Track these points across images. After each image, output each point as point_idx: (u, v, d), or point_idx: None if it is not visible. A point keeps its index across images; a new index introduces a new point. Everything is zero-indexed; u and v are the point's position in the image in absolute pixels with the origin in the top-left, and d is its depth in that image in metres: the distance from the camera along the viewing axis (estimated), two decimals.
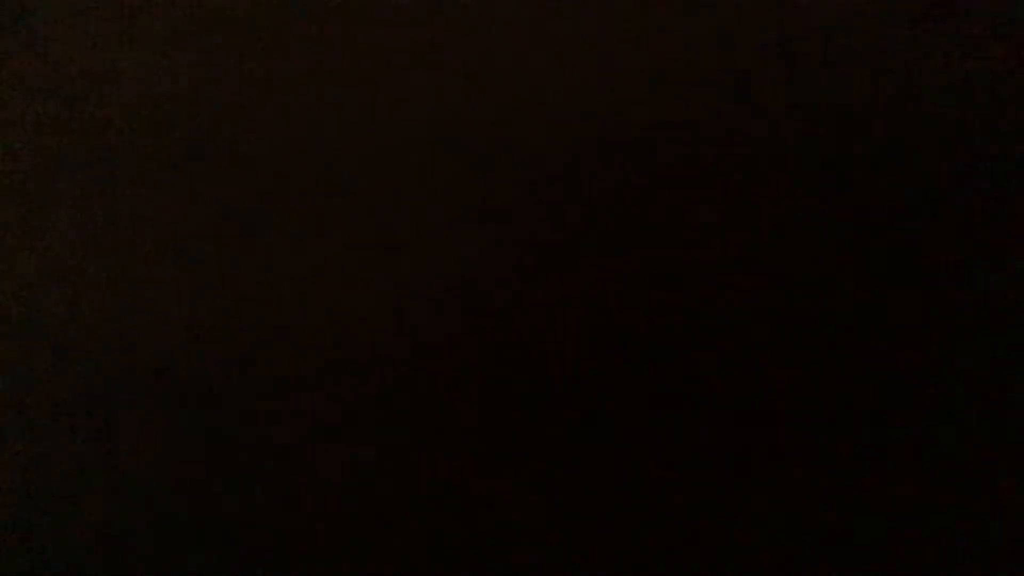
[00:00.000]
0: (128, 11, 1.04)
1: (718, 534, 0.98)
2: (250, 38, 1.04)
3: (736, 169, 1.01)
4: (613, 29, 1.03)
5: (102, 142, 1.03)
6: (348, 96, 1.03)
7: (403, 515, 0.99)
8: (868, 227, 1.00)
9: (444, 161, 1.02)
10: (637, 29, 1.03)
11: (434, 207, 1.02)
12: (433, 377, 1.00)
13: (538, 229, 1.01)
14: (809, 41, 1.02)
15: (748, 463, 0.98)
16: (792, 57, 1.02)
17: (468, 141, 1.02)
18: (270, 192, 1.02)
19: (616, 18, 1.03)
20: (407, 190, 1.02)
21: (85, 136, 1.03)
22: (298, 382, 1.00)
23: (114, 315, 1.01)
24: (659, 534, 0.98)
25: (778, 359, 0.99)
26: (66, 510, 0.99)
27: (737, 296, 1.00)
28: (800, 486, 0.98)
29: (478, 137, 1.02)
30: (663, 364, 1.00)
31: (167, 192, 1.02)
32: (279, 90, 1.03)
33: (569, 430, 0.99)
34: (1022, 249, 1.00)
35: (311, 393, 1.00)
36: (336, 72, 1.03)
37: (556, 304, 1.01)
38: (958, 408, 0.98)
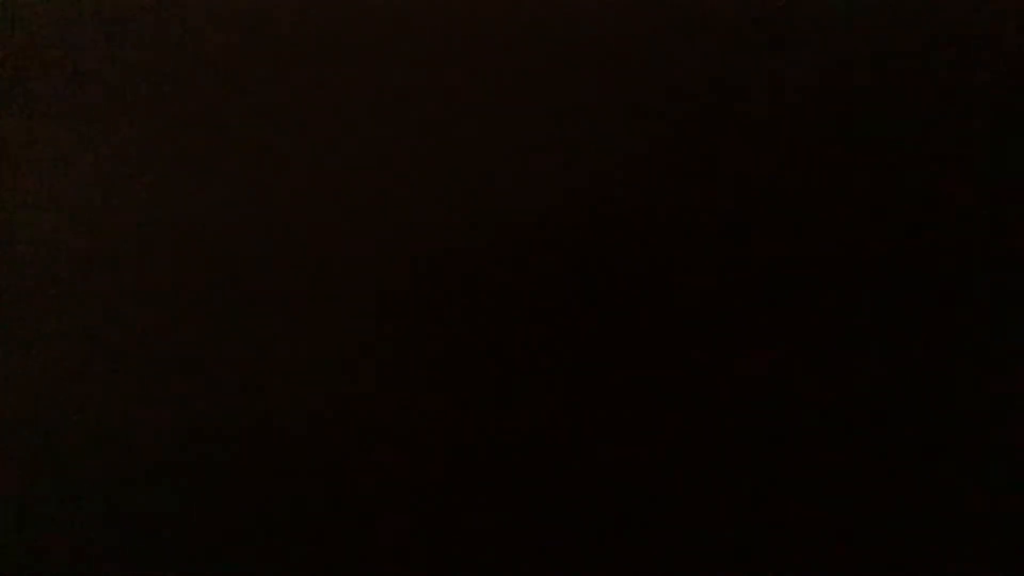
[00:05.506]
0: None
1: (717, 534, 0.98)
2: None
3: (737, 164, 1.01)
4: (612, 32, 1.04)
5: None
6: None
7: (399, 514, 0.99)
8: (868, 227, 1.00)
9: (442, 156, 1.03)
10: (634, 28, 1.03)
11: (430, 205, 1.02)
12: (427, 370, 1.00)
13: (536, 228, 1.02)
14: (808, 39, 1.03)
15: (747, 462, 0.98)
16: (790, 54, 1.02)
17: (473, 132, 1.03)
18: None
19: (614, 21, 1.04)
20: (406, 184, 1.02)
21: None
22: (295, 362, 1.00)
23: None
24: (658, 533, 0.98)
25: (779, 355, 0.99)
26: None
27: (738, 291, 1.00)
28: (799, 486, 0.98)
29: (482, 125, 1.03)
30: (662, 362, 1.00)
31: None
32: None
33: (567, 428, 0.99)
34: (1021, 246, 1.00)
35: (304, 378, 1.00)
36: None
37: (554, 300, 1.01)
38: (957, 406, 0.98)
